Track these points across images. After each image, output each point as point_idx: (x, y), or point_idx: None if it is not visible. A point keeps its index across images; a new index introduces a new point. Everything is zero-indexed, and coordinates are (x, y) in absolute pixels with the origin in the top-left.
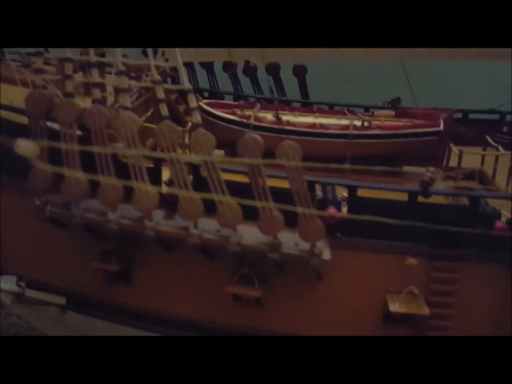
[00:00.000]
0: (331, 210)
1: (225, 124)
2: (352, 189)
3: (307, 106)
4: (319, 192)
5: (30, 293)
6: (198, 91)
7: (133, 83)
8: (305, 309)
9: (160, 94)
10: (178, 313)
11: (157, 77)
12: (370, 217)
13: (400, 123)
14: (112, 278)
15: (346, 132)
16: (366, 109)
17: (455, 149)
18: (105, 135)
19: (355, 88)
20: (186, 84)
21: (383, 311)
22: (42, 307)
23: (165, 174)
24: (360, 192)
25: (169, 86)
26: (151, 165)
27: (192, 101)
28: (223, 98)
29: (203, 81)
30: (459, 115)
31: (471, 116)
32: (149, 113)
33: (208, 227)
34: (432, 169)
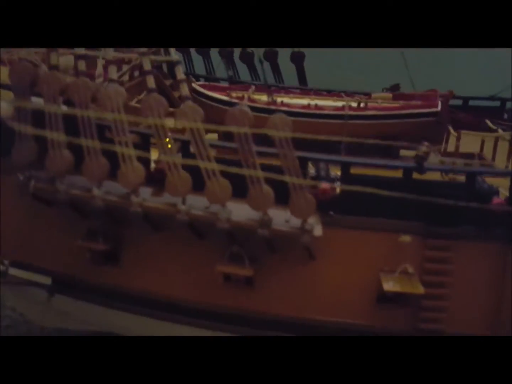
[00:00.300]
0: (324, 185)
1: (218, 105)
2: (345, 166)
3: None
4: (311, 170)
5: (13, 271)
6: (194, 77)
7: (120, 54)
8: (297, 289)
9: (147, 66)
10: (167, 294)
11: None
12: (362, 188)
13: (397, 105)
14: (99, 258)
15: (342, 112)
16: (364, 95)
17: (453, 132)
18: (90, 109)
19: (355, 75)
20: (174, 56)
21: (376, 291)
22: (30, 292)
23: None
24: (354, 170)
25: (157, 57)
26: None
27: (180, 74)
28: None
29: (200, 69)
30: (459, 102)
31: (471, 103)
32: (142, 95)
33: (197, 204)
34: (426, 143)
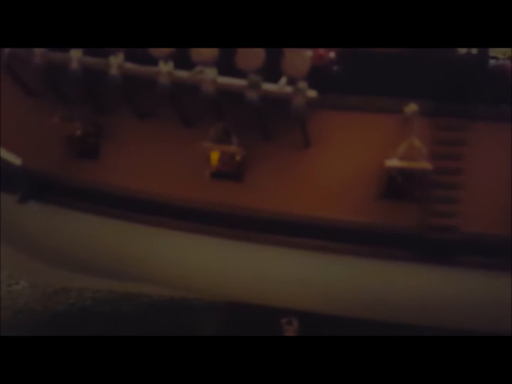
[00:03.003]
0: (320, 50)
1: None
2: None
3: None
4: None
5: None
6: None
7: None
8: (291, 182)
9: None
10: (151, 191)
11: None
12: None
13: None
14: (77, 148)
15: None
16: None
17: None
18: None
19: None
20: None
21: (381, 182)
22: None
23: None
24: None
25: None
26: None
27: None
28: None
29: None
30: None
31: None
32: None
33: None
34: None
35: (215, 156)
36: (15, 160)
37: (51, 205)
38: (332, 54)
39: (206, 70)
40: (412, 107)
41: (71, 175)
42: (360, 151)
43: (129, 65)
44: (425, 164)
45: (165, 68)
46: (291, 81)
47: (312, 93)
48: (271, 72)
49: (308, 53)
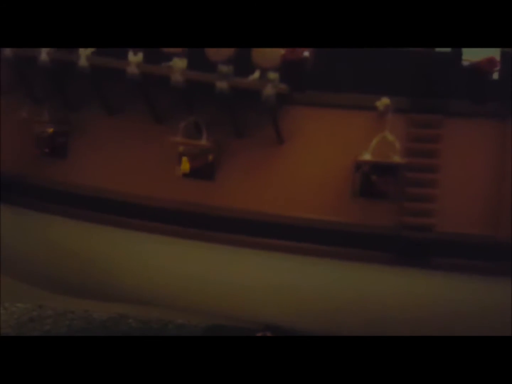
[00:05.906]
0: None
1: None
2: None
3: None
4: None
5: None
6: None
7: None
8: (264, 180)
9: None
10: (121, 191)
11: None
12: None
13: None
14: (45, 145)
15: None
16: None
17: None
18: None
19: None
20: None
21: (355, 182)
22: None
23: None
24: None
25: None
26: None
27: None
28: None
29: None
30: None
31: None
32: None
33: None
34: None
35: (185, 163)
36: None
37: (18, 208)
38: (306, 52)
39: (175, 61)
40: (384, 101)
41: (39, 175)
42: (335, 148)
43: (98, 59)
44: (398, 159)
45: (134, 59)
46: (264, 75)
47: (283, 86)
48: (245, 66)
49: None
